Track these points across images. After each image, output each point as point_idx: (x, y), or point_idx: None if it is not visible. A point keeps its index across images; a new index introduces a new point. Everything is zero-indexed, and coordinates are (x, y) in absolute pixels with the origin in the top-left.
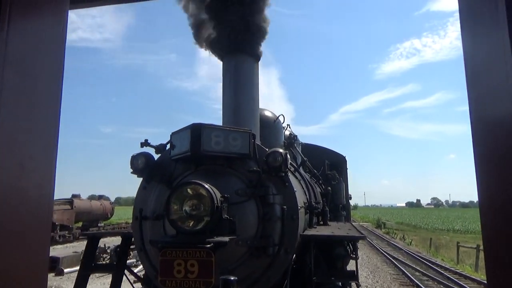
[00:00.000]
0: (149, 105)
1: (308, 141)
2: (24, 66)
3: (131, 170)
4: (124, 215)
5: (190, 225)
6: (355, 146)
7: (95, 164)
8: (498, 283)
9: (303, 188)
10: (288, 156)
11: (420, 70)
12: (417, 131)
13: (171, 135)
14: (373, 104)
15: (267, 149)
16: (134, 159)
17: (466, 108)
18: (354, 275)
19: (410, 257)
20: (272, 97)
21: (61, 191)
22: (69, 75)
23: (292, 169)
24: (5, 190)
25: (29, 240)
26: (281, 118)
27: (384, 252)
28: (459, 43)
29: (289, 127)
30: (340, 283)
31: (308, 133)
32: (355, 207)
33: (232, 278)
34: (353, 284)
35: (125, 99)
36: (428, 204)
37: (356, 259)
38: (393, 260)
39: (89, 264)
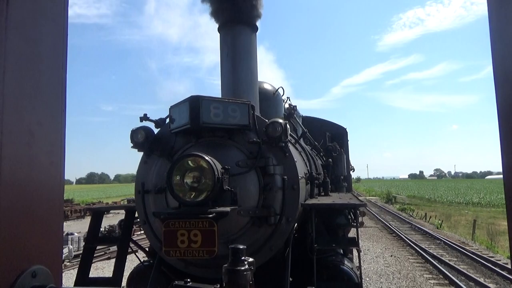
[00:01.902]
0: (149, 82)
1: (310, 114)
2: (27, 29)
3: (131, 145)
4: (124, 192)
5: (192, 196)
6: (357, 119)
7: (95, 142)
8: None
9: (304, 159)
10: (288, 126)
11: (424, 40)
12: (419, 102)
13: (170, 108)
14: (375, 76)
15: (266, 120)
16: (134, 133)
17: (469, 78)
18: (355, 241)
19: (463, 257)
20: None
21: None
22: (69, 53)
23: (293, 140)
24: (16, 157)
25: (42, 208)
26: (280, 91)
27: (413, 243)
28: (463, 11)
29: (289, 100)
30: (341, 250)
31: (310, 107)
32: (358, 179)
33: (241, 247)
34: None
35: (125, 76)
36: (431, 175)
37: (357, 226)
38: (439, 266)
39: (94, 237)
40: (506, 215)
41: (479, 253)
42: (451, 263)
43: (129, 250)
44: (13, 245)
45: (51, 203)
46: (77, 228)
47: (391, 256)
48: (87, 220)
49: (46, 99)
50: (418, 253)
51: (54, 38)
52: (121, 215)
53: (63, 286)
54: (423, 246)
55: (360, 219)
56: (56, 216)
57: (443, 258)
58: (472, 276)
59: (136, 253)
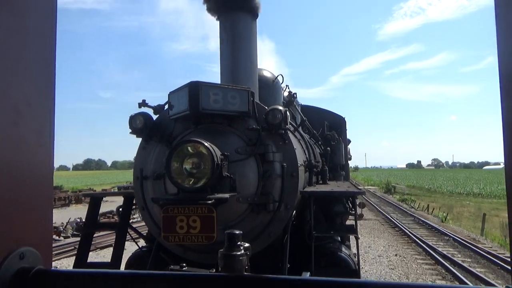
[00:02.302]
0: (148, 69)
1: (309, 103)
2: (13, 3)
3: (130, 131)
4: (119, 179)
5: (191, 183)
6: (356, 108)
7: (92, 129)
8: None
9: (303, 147)
10: (288, 114)
11: (425, 30)
12: (419, 92)
13: (169, 95)
14: (375, 65)
15: (266, 107)
16: (133, 119)
17: (469, 69)
18: (353, 228)
19: (477, 257)
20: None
21: (59, 155)
22: (64, 39)
23: (292, 128)
24: (2, 136)
25: (30, 190)
26: (279, 78)
27: (419, 239)
28: (465, 1)
29: (288, 88)
30: (339, 238)
31: (309, 95)
32: (356, 168)
33: (236, 232)
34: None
35: (124, 63)
36: (428, 165)
37: (355, 215)
38: (452, 269)
39: (92, 223)
40: (507, 206)
41: (494, 253)
42: (465, 264)
43: (127, 237)
44: None
45: (40, 185)
46: (58, 218)
47: (396, 255)
48: (73, 208)
49: (33, 76)
50: (427, 252)
51: (42, 11)
52: (116, 203)
53: (52, 268)
54: (430, 243)
55: (359, 211)
56: (46, 199)
57: (455, 259)
58: (493, 282)
59: (135, 240)
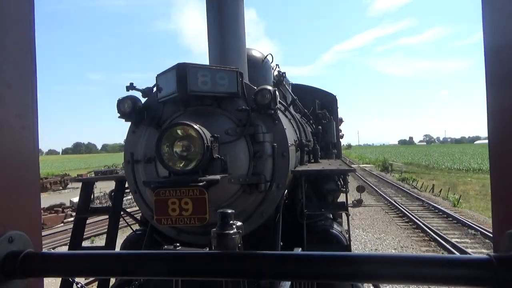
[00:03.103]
0: (138, 50)
1: (301, 82)
2: None
3: (118, 115)
4: (109, 162)
5: (182, 165)
6: (348, 86)
7: (81, 112)
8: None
9: (294, 127)
10: (277, 93)
11: (416, 4)
12: (410, 68)
13: (156, 77)
14: (367, 42)
15: (255, 88)
16: (121, 103)
17: (460, 43)
18: (344, 205)
19: None
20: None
21: (48, 140)
22: (49, 19)
23: (282, 108)
24: None
25: (15, 174)
26: (269, 58)
27: (440, 236)
28: None
29: (278, 67)
30: (331, 215)
31: (301, 73)
32: (349, 146)
33: (229, 211)
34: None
35: (112, 44)
36: (420, 141)
37: (346, 192)
38: None
39: (85, 208)
40: (490, 181)
41: None
42: None
43: (121, 221)
44: None
45: (25, 168)
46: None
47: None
48: (44, 196)
49: (12, 58)
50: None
51: None
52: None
53: (42, 251)
54: (455, 242)
55: (358, 196)
56: (32, 182)
57: None
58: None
59: (129, 224)
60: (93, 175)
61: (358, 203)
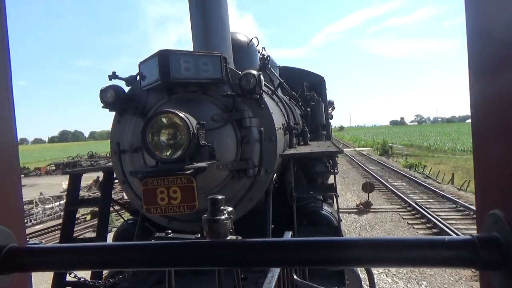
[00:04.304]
0: (127, 34)
1: (293, 65)
2: None
3: (102, 105)
4: (100, 149)
5: (169, 154)
6: (340, 68)
7: (68, 100)
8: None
9: (281, 110)
10: (262, 78)
11: None
12: (401, 49)
13: (139, 65)
14: (358, 23)
15: (240, 72)
16: (103, 92)
17: (450, 23)
18: (332, 187)
19: None
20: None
21: (33, 129)
22: (32, 5)
23: (270, 92)
24: None
25: None
26: (254, 41)
27: None
28: None
29: (264, 50)
30: (321, 197)
31: (292, 56)
32: (341, 128)
33: (219, 197)
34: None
35: (99, 29)
36: (412, 121)
37: (335, 173)
38: None
39: (74, 200)
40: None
41: None
42: None
43: (112, 211)
44: None
45: (4, 162)
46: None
47: None
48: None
49: None
50: None
51: None
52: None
53: (27, 244)
54: None
55: (365, 196)
56: (12, 175)
57: None
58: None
59: (120, 214)
60: (53, 167)
61: (366, 207)
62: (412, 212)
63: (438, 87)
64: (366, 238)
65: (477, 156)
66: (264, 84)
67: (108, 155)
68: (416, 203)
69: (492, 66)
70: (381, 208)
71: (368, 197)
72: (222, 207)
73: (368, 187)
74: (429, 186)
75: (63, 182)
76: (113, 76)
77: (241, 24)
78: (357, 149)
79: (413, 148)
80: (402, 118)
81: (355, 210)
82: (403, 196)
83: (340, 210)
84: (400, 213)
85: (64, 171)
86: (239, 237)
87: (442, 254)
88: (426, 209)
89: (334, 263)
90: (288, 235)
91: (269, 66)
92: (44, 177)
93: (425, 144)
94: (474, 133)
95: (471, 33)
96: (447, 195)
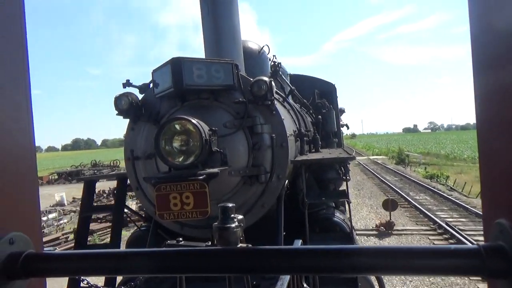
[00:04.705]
0: (140, 43)
1: (303, 72)
2: None
3: (116, 112)
4: (112, 157)
5: (181, 160)
6: (350, 75)
7: (82, 108)
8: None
9: (292, 117)
10: (273, 84)
11: None
12: (412, 56)
13: (152, 73)
14: (368, 30)
15: (251, 79)
16: (118, 100)
17: (461, 29)
18: (344, 193)
19: None
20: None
21: (47, 137)
22: (48, 16)
23: (280, 99)
24: None
25: (13, 176)
26: (265, 49)
27: None
28: None
29: (275, 58)
30: (333, 204)
31: (302, 64)
32: (353, 135)
33: (230, 205)
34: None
35: (112, 38)
36: (425, 128)
37: (347, 180)
38: None
39: (88, 206)
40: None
41: None
42: None
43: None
44: None
45: (23, 170)
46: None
47: None
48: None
49: (2, 58)
50: None
51: None
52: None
53: (44, 251)
54: None
55: (386, 215)
56: (31, 183)
57: None
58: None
59: (134, 221)
60: (55, 176)
61: (388, 228)
62: (444, 235)
63: (451, 94)
64: (376, 246)
65: (483, 165)
66: (275, 91)
67: (111, 163)
68: (446, 223)
69: (495, 61)
70: (405, 230)
71: (390, 216)
72: (232, 215)
73: (389, 205)
74: (457, 201)
75: (56, 193)
76: (127, 84)
77: (262, 39)
78: (371, 157)
79: (430, 157)
80: (415, 125)
81: (374, 232)
82: (429, 214)
83: (357, 232)
84: (430, 237)
85: (78, 178)
86: (249, 245)
87: (448, 262)
88: (460, 232)
89: (342, 271)
90: (298, 243)
91: (280, 73)
92: (45, 186)
93: (443, 152)
94: (480, 140)
95: (475, 29)
96: (480, 213)
